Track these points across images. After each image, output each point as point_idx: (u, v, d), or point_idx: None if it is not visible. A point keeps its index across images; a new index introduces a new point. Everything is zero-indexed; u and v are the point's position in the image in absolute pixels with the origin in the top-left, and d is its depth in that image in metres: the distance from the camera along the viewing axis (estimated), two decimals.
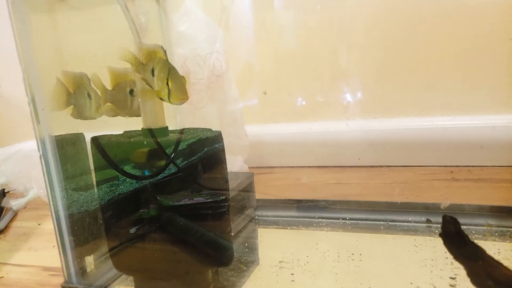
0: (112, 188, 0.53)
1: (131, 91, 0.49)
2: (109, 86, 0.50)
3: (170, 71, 0.43)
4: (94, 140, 0.48)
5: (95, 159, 0.49)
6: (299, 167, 0.92)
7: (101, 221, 0.52)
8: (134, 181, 0.55)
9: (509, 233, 0.53)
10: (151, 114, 0.47)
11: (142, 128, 0.48)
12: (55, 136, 0.47)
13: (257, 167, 0.88)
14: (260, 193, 0.69)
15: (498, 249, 0.49)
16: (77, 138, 0.50)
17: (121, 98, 0.50)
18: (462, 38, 0.79)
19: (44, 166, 0.46)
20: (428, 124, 0.83)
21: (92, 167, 0.50)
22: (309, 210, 0.64)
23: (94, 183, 0.51)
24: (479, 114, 0.81)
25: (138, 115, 0.49)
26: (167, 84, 0.42)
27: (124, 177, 0.53)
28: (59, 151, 0.47)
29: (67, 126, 0.50)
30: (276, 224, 0.64)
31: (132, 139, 0.49)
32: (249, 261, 0.53)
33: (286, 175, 0.89)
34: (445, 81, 0.82)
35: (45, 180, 0.47)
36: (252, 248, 0.58)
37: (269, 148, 0.92)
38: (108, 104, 0.50)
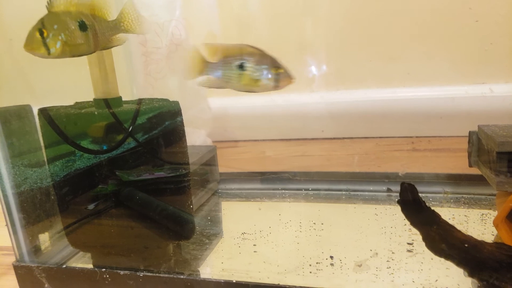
0: (69, 164, 0.51)
1: (241, 66, 0.47)
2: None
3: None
4: (43, 111, 0.45)
5: (47, 132, 0.46)
6: (264, 141, 0.91)
7: (55, 198, 0.49)
8: (92, 156, 0.52)
9: (463, 199, 0.55)
10: (103, 83, 0.45)
11: (94, 99, 0.46)
12: None
13: (221, 141, 0.86)
14: (224, 167, 0.68)
15: (453, 215, 0.51)
16: (23, 111, 0.47)
17: (226, 71, 0.48)
18: (422, 9, 0.79)
19: None
20: (390, 96, 0.84)
21: (42, 141, 0.48)
22: (272, 182, 0.64)
23: (45, 158, 0.48)
24: (439, 85, 0.82)
25: (248, 90, 0.47)
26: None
27: (82, 152, 0.51)
28: (3, 124, 0.44)
29: (11, 97, 0.47)
30: (239, 196, 0.64)
31: (83, 110, 0.46)
32: (212, 234, 0.52)
33: (251, 148, 0.88)
34: (406, 53, 0.83)
35: None
36: (215, 221, 0.57)
37: (233, 122, 0.91)
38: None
